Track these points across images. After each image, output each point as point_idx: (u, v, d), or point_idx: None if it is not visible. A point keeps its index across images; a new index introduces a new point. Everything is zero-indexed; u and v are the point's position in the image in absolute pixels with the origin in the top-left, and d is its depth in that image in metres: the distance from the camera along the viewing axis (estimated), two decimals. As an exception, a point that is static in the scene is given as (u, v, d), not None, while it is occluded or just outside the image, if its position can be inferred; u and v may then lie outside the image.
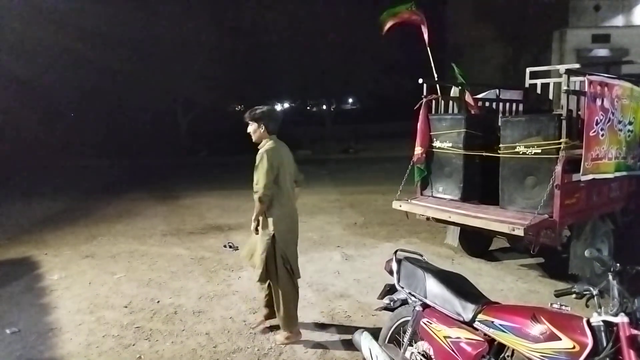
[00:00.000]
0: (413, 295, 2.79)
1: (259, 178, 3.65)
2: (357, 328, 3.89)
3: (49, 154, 18.58)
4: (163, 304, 4.74)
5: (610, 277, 2.02)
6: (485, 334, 2.36)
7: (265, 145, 3.80)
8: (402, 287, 2.88)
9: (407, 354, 2.78)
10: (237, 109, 33.80)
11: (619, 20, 23.90)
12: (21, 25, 16.93)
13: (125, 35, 19.29)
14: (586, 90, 4.40)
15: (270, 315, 4.07)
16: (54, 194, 11.71)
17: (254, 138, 3.89)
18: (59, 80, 18.85)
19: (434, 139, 5.50)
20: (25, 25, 17.01)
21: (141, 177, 15.37)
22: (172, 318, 4.41)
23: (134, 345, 3.92)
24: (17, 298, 4.98)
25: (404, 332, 2.87)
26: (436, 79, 5.97)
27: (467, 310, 2.44)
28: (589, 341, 1.93)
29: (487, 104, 6.31)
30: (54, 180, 14.59)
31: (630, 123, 5.12)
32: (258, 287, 4.34)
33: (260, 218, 3.76)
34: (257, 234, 3.82)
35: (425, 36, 6.16)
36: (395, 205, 5.54)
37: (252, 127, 3.86)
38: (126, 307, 4.68)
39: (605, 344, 1.91)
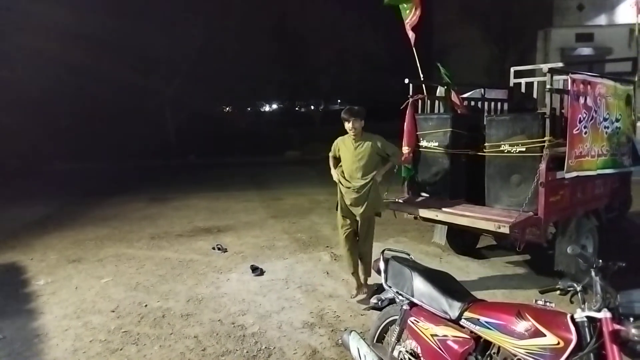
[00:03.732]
0: (400, 294, 2.80)
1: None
2: (346, 328, 3.93)
3: (35, 158, 18.34)
4: (151, 307, 4.70)
5: (593, 274, 2.05)
6: (471, 332, 2.37)
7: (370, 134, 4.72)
8: (390, 286, 2.90)
9: (395, 353, 2.80)
10: (225, 110, 33.70)
11: (602, 20, 24.30)
12: (9, 30, 16.74)
13: (114, 39, 19.16)
14: (569, 88, 4.46)
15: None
16: (40, 198, 11.55)
17: (357, 131, 4.60)
18: (46, 84, 18.65)
19: (421, 139, 5.52)
20: (12, 29, 16.82)
21: (129, 180, 15.24)
22: (160, 322, 4.38)
23: (121, 349, 3.89)
24: (2, 304, 4.90)
25: (392, 331, 2.88)
26: (422, 79, 6.02)
27: (453, 308, 2.46)
28: (573, 337, 1.95)
29: (472, 103, 6.36)
30: (41, 184, 14.41)
31: (617, 120, 5.19)
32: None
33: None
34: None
35: (411, 36, 6.23)
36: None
37: (359, 123, 4.59)
38: (113, 311, 4.64)
39: (589, 340, 1.94)
